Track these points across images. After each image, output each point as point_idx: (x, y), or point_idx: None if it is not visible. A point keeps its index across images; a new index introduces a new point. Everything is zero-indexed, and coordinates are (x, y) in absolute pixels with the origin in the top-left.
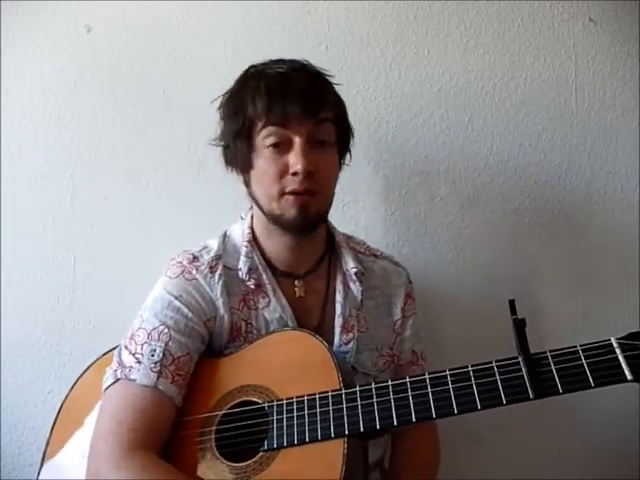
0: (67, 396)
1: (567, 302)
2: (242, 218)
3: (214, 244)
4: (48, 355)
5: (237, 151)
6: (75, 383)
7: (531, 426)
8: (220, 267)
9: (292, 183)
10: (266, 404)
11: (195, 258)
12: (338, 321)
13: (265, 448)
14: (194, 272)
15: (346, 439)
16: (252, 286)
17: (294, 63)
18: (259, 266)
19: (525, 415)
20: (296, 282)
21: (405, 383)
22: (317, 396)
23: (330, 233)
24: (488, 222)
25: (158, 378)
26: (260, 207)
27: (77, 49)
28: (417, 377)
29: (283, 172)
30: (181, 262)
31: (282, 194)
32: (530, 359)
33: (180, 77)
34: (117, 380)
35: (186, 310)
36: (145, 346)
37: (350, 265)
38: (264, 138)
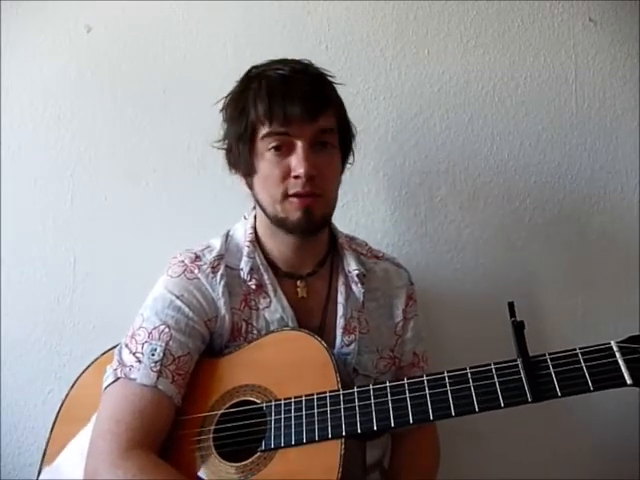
0: (67, 395)
1: (567, 302)
2: (245, 218)
3: (217, 244)
4: (48, 355)
5: (240, 154)
6: (75, 382)
7: (531, 427)
8: (222, 267)
9: (295, 186)
10: (264, 404)
11: (197, 257)
12: (340, 322)
13: (263, 448)
14: (196, 271)
15: (343, 440)
16: (253, 286)
17: (296, 64)
18: (261, 266)
19: (525, 416)
20: (298, 283)
21: (403, 385)
22: (315, 397)
23: (333, 234)
24: (488, 222)
25: (158, 378)
26: (264, 210)
27: (77, 49)
28: (415, 379)
29: (286, 175)
30: (183, 261)
31: (285, 197)
32: (529, 362)
33: (180, 77)
34: (117, 379)
35: (187, 309)
36: (146, 345)
37: (352, 267)
38: (266, 141)
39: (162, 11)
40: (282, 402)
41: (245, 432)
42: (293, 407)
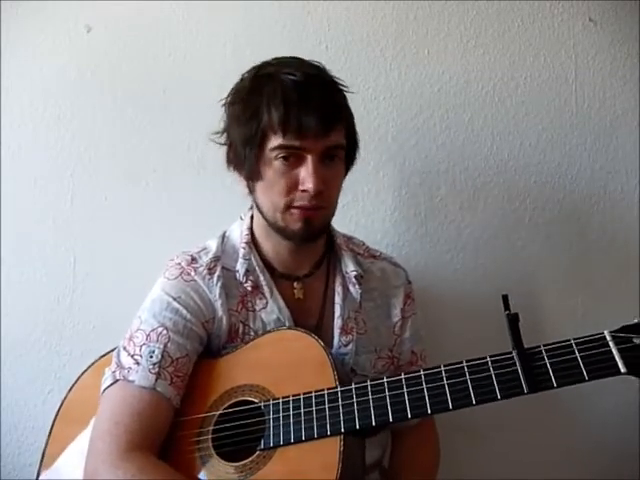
0: (66, 397)
1: (567, 302)
2: (241, 218)
3: (213, 245)
4: (48, 355)
5: (245, 158)
6: (74, 384)
7: (531, 426)
8: (219, 268)
9: (301, 199)
10: (262, 403)
11: (194, 259)
12: (337, 323)
13: (262, 447)
14: (192, 273)
15: (342, 437)
16: (249, 288)
17: (309, 68)
18: (257, 268)
19: (525, 415)
20: (295, 284)
21: (400, 380)
22: (313, 394)
23: (330, 235)
24: (488, 222)
25: (156, 379)
26: (263, 214)
27: (77, 49)
28: (412, 373)
29: (292, 186)
30: (179, 263)
31: (288, 207)
32: (524, 354)
33: (180, 77)
34: (116, 381)
35: (185, 311)
36: (144, 347)
37: (350, 268)
38: (276, 150)
39: (162, 11)
40: (280, 401)
41: (244, 432)
42: (291, 405)
